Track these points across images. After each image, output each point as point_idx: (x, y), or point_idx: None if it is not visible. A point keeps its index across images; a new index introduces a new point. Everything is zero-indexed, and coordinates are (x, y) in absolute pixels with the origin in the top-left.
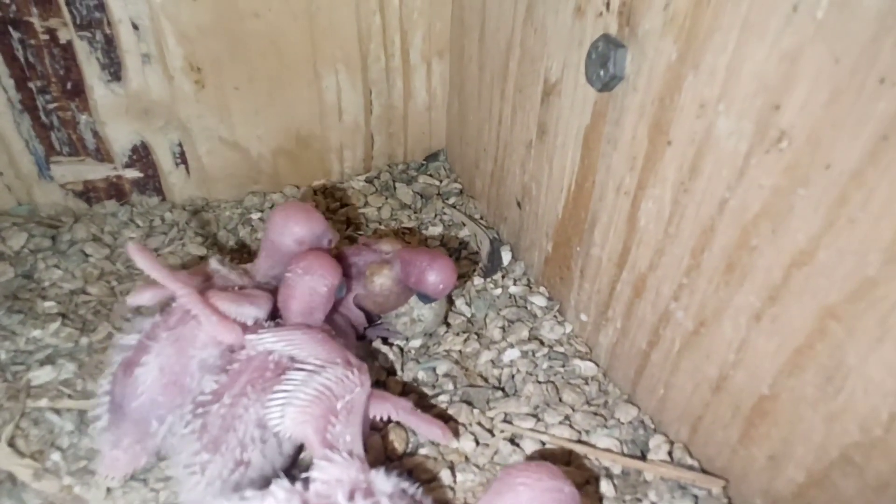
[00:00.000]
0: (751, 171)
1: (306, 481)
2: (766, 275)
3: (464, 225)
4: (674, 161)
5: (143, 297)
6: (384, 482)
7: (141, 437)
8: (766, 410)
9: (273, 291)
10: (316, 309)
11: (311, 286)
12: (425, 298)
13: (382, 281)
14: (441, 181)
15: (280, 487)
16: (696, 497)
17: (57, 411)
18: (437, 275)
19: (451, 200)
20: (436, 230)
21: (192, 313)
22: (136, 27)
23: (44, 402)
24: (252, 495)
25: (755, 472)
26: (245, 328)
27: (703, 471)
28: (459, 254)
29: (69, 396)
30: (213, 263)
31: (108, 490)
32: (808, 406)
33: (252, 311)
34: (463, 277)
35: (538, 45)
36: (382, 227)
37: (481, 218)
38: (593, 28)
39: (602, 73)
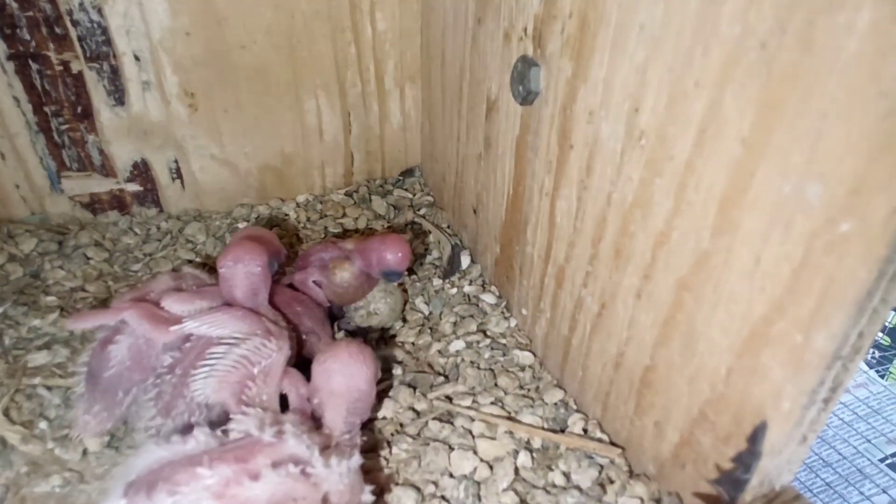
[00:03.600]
0: (625, 166)
1: (226, 432)
2: (641, 256)
3: (429, 232)
4: (576, 163)
5: (82, 323)
6: (294, 421)
7: (109, 404)
8: (649, 381)
9: None
10: (258, 290)
11: (245, 272)
12: (392, 276)
13: (342, 274)
14: (415, 195)
15: (201, 432)
16: (601, 466)
17: (48, 388)
18: (392, 251)
19: (422, 211)
20: (404, 237)
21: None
22: (137, 59)
23: (37, 380)
24: (177, 439)
25: (647, 439)
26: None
27: (612, 443)
28: (424, 259)
29: (60, 376)
30: (186, 269)
31: (84, 453)
32: (676, 372)
33: (204, 304)
34: (424, 279)
35: (481, 69)
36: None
37: (448, 227)
38: (516, 51)
39: (521, 88)
